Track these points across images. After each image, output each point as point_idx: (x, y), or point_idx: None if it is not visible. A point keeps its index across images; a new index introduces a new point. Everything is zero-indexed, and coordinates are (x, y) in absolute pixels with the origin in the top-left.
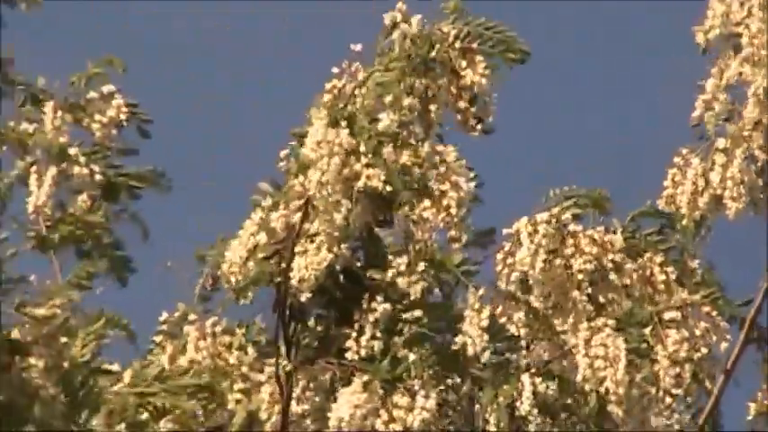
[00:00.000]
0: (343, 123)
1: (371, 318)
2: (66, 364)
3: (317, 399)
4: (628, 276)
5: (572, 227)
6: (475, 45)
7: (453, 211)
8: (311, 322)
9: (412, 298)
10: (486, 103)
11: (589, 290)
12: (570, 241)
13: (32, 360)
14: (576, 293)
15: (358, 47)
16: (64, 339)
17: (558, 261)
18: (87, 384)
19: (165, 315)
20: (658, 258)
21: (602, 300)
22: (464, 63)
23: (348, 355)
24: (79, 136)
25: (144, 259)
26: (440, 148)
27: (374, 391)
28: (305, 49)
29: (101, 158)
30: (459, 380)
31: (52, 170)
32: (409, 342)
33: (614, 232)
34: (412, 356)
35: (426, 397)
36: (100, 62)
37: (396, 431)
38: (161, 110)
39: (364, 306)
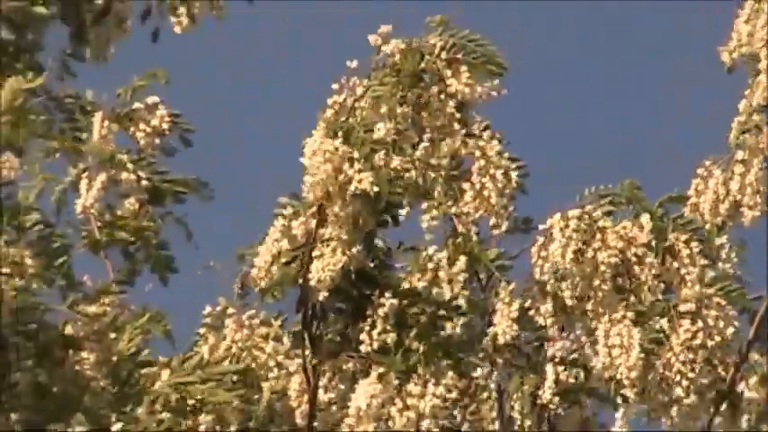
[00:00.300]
0: (340, 134)
1: (381, 312)
2: (114, 358)
3: (341, 387)
4: (649, 269)
5: (602, 222)
6: (460, 56)
7: (494, 201)
8: (331, 319)
9: (455, 291)
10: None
11: (612, 282)
12: (598, 236)
13: (84, 354)
14: (599, 284)
15: (354, 63)
16: (113, 335)
17: (587, 254)
18: (133, 376)
19: (207, 309)
20: (683, 236)
21: (624, 292)
22: (449, 72)
23: (362, 347)
24: (126, 144)
25: (184, 259)
26: (481, 143)
27: (389, 382)
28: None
29: (146, 165)
30: (487, 368)
31: (102, 176)
32: (419, 335)
33: (641, 223)
34: (422, 348)
35: (437, 385)
36: (145, 75)
37: (410, 417)
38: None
39: (375, 302)
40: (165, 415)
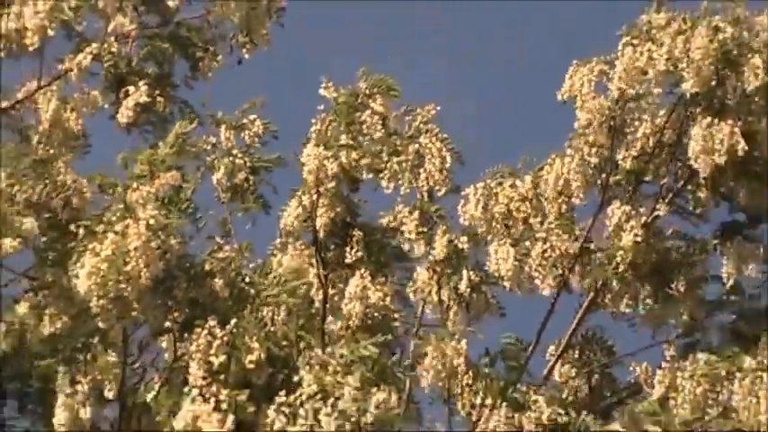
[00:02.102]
0: (321, 143)
1: (355, 241)
2: None
3: (340, 285)
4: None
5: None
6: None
7: (436, 177)
8: (331, 247)
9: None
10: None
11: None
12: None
13: None
14: (496, 225)
15: (321, 107)
16: None
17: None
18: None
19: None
20: None
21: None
22: (370, 101)
23: (347, 260)
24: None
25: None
26: (426, 140)
27: (364, 278)
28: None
29: (250, 153)
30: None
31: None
32: (377, 252)
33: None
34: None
35: (384, 284)
36: (250, 102)
37: (377, 297)
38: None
39: (353, 236)
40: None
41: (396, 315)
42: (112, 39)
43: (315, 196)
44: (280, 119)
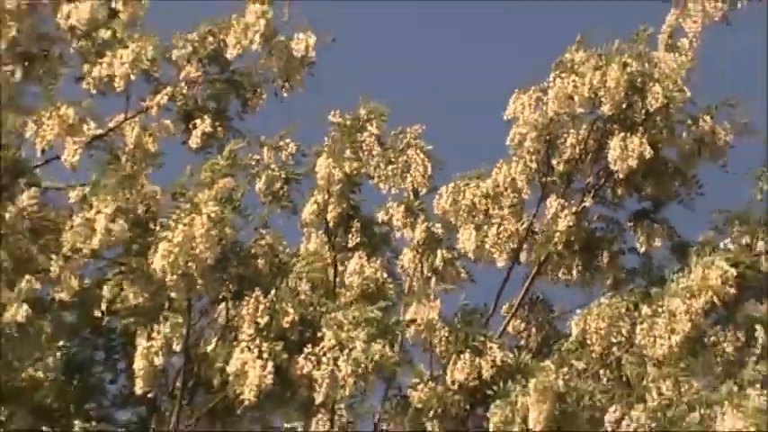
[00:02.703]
0: (331, 157)
1: (354, 229)
2: None
3: (346, 263)
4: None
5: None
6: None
7: (419, 180)
8: (339, 233)
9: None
10: None
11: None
12: (461, 191)
13: None
14: (464, 214)
15: (336, 117)
16: None
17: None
18: None
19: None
20: None
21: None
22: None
23: (350, 244)
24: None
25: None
26: (411, 152)
27: (362, 257)
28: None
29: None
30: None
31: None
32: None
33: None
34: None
35: (376, 262)
36: (287, 129)
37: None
38: None
39: (353, 226)
40: None
41: (387, 286)
42: (183, 83)
43: (326, 196)
44: (305, 137)
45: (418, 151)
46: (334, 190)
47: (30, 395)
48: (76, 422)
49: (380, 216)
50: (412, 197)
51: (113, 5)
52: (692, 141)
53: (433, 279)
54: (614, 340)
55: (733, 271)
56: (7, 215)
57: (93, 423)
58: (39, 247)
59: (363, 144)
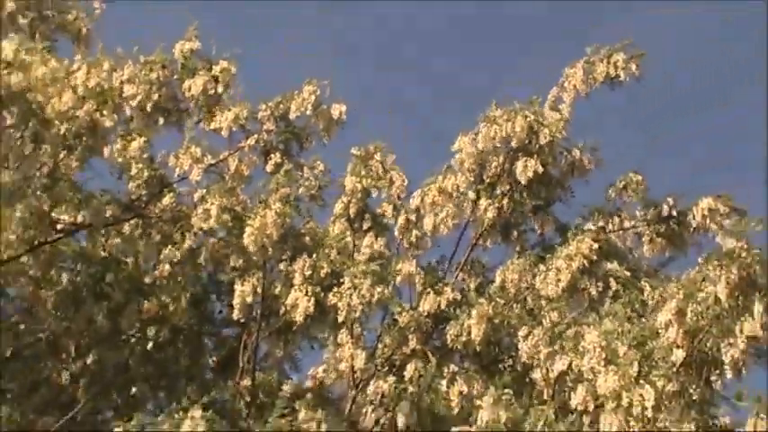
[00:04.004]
0: (353, 176)
1: (366, 214)
2: None
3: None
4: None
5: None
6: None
7: (398, 188)
8: (356, 223)
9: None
10: None
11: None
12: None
13: None
14: (444, 205)
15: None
16: None
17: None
18: None
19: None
20: None
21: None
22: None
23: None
24: None
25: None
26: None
27: (372, 238)
28: None
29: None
30: None
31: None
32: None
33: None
34: None
35: (380, 240)
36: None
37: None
38: None
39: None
40: None
41: (384, 252)
42: (264, 132)
43: (350, 199)
44: (337, 162)
45: (397, 173)
46: (355, 195)
47: (170, 319)
48: (204, 337)
49: (381, 211)
50: (396, 199)
51: (217, 78)
52: (567, 165)
53: (411, 248)
54: (523, 285)
55: (595, 244)
56: (156, 210)
57: (213, 337)
58: (176, 227)
59: (372, 167)
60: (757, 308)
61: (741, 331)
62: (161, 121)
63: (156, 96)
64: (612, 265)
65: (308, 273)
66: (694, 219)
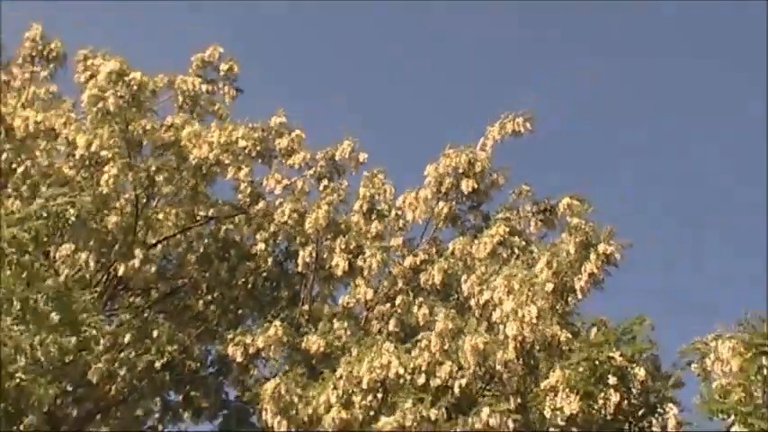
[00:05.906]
0: (365, 188)
1: (374, 212)
2: None
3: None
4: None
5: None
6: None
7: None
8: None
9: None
10: None
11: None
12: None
13: None
14: (440, 208)
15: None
16: None
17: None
18: None
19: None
20: None
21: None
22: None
23: None
24: None
25: None
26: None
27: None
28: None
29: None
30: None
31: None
32: None
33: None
34: None
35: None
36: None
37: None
38: None
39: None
40: None
41: (385, 232)
42: (314, 179)
43: (363, 202)
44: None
45: (390, 186)
46: (366, 200)
47: (263, 272)
48: (282, 281)
49: (381, 208)
50: (389, 201)
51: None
52: (490, 182)
53: (398, 230)
54: (465, 252)
55: (506, 228)
56: (254, 210)
57: (287, 282)
58: (265, 219)
59: (375, 183)
60: (592, 257)
61: (584, 271)
62: (259, 160)
63: (258, 147)
64: (515, 239)
65: (342, 246)
66: (559, 209)
